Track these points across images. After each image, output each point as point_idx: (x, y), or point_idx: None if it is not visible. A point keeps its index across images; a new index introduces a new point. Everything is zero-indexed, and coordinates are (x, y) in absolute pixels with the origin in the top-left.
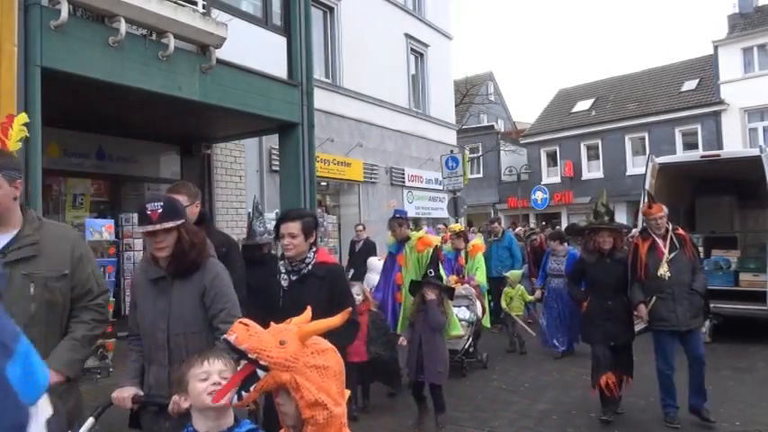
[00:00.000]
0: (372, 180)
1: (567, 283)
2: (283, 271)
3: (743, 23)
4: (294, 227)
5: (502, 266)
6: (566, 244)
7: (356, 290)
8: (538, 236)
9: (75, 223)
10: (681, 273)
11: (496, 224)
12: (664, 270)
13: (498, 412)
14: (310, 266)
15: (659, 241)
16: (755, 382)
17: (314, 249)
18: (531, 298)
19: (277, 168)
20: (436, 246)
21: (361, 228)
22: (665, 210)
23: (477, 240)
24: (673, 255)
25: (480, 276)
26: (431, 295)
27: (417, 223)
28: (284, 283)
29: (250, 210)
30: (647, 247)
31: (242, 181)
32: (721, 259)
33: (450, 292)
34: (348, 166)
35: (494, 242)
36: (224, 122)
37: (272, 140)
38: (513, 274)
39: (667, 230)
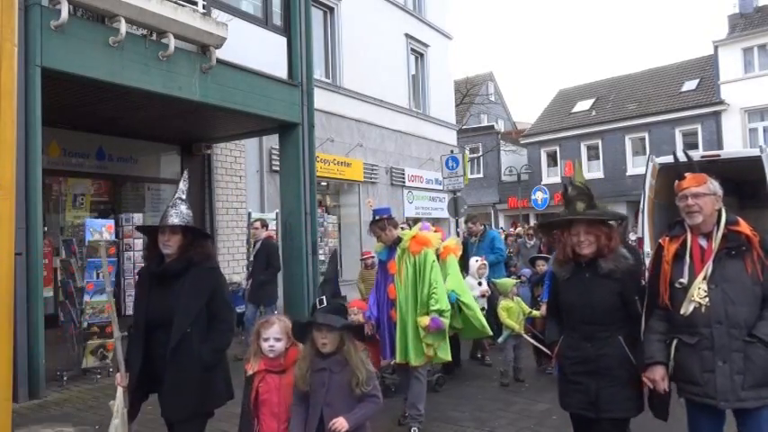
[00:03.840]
0: (372, 180)
1: (546, 319)
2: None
3: (743, 23)
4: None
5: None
6: None
7: (274, 331)
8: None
9: (76, 223)
10: (731, 301)
11: (471, 224)
12: (697, 295)
13: (498, 412)
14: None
15: (698, 242)
16: None
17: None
18: (537, 313)
19: (277, 168)
20: (444, 247)
21: (257, 225)
22: (713, 185)
23: (452, 241)
24: (718, 268)
25: (451, 283)
26: (326, 345)
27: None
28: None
29: (250, 210)
30: (675, 250)
31: (242, 181)
32: None
33: (359, 332)
34: (348, 167)
35: (475, 243)
36: (224, 122)
37: (272, 140)
38: (502, 284)
39: (716, 225)
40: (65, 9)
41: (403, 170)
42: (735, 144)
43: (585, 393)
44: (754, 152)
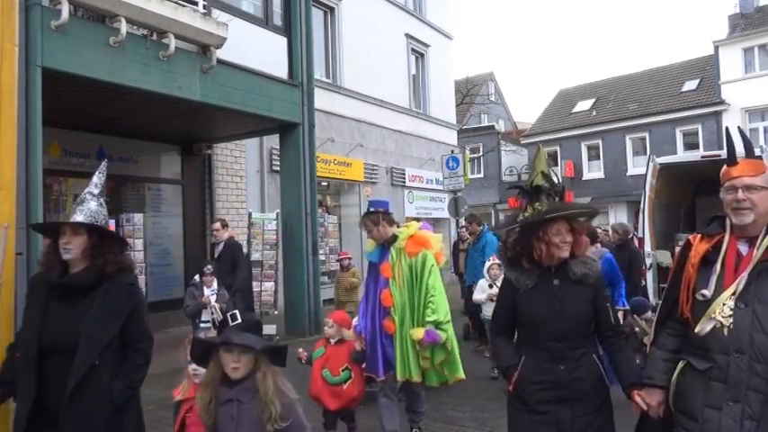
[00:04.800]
0: (373, 180)
1: (491, 341)
2: None
3: (743, 23)
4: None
5: (478, 273)
6: (597, 245)
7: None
8: None
9: None
10: (761, 328)
11: (467, 223)
12: (720, 312)
13: (498, 412)
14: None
15: (737, 247)
16: None
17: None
18: None
19: (278, 168)
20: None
21: (218, 226)
22: None
23: (437, 244)
24: (754, 283)
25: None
26: (237, 371)
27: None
28: None
29: (251, 210)
30: (705, 252)
31: (242, 181)
32: None
33: (280, 357)
34: (349, 167)
35: (471, 246)
36: (224, 122)
37: (272, 140)
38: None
39: (766, 229)
40: (65, 9)
41: (403, 170)
42: (735, 144)
43: (557, 425)
44: (755, 152)
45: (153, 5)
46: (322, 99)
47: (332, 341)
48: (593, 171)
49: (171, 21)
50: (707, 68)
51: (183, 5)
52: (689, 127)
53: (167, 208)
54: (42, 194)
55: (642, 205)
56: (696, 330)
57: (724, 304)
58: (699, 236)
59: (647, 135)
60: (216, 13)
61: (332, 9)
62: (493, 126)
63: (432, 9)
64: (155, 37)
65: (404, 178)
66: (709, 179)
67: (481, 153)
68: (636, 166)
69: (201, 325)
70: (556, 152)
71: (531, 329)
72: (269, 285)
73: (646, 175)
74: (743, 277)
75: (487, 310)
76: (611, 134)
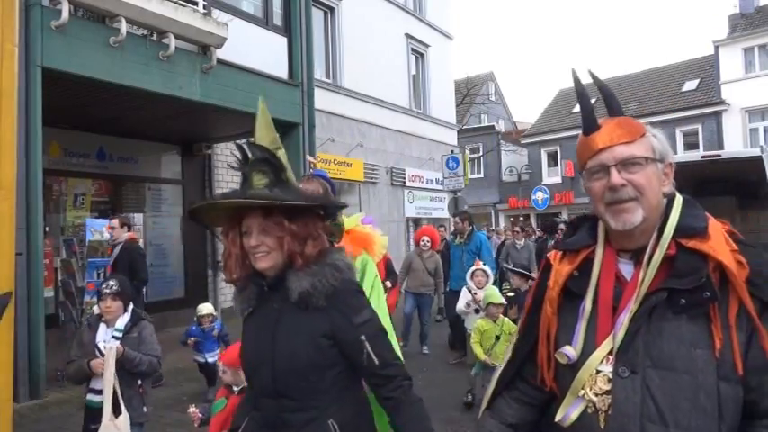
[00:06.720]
0: (373, 180)
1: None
2: None
3: (744, 23)
4: None
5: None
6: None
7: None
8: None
9: (76, 223)
10: (659, 412)
11: (458, 219)
12: (591, 388)
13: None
14: None
15: (616, 267)
16: None
17: None
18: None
19: None
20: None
21: (115, 223)
22: (660, 141)
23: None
24: (644, 330)
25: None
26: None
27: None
28: None
29: None
30: (568, 277)
31: None
32: None
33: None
34: (349, 167)
35: (461, 245)
36: (224, 122)
37: None
38: (489, 295)
39: (658, 232)
40: (65, 9)
41: (403, 170)
42: (735, 144)
43: None
44: (755, 152)
45: (153, 5)
46: (322, 99)
47: (235, 389)
48: None
49: (171, 21)
50: (707, 68)
51: (183, 5)
52: (689, 127)
53: (167, 208)
54: (42, 194)
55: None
56: (556, 419)
57: (597, 371)
58: (559, 253)
59: None
60: (216, 13)
61: (332, 9)
62: (493, 126)
63: (432, 9)
64: (155, 37)
65: (404, 178)
66: (709, 179)
67: (481, 153)
68: None
69: (90, 396)
70: (556, 152)
71: (247, 376)
72: None
73: None
74: (623, 320)
75: (470, 323)
76: None
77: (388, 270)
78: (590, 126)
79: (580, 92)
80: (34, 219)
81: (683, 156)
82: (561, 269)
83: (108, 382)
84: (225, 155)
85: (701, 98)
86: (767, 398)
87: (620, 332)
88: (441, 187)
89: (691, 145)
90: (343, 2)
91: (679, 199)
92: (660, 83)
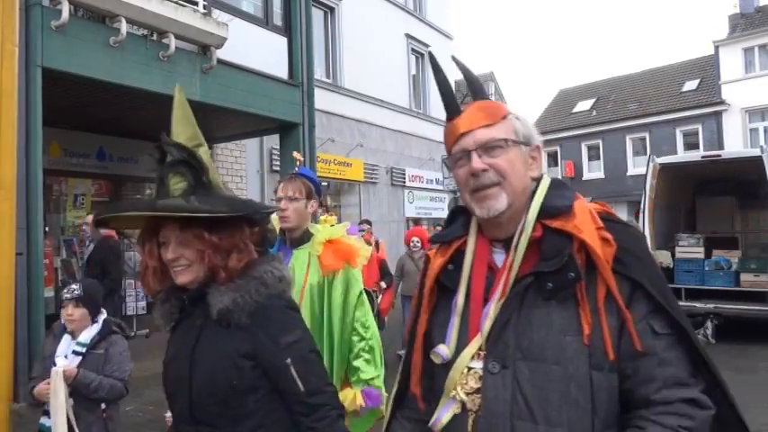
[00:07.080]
0: (373, 180)
1: None
2: None
3: (744, 23)
4: None
5: None
6: None
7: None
8: None
9: (76, 223)
10: (527, 407)
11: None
12: (461, 387)
13: None
14: None
15: (489, 257)
16: (756, 383)
17: None
18: None
19: (278, 168)
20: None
21: (90, 220)
22: (523, 123)
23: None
24: (514, 321)
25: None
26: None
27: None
28: None
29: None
30: (440, 270)
31: (243, 181)
32: (722, 260)
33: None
34: (349, 167)
35: None
36: (225, 122)
37: (272, 141)
38: None
39: (524, 216)
40: (65, 9)
41: (403, 170)
42: (735, 144)
43: None
44: (755, 152)
45: (153, 5)
46: (322, 99)
47: None
48: (593, 171)
49: (171, 21)
50: (707, 68)
51: (184, 5)
52: (689, 127)
53: None
54: (42, 194)
55: (642, 205)
56: (429, 424)
57: (469, 369)
58: (434, 248)
59: (647, 135)
60: (216, 13)
61: (332, 9)
62: None
63: (432, 9)
64: (155, 37)
65: (404, 178)
66: (709, 179)
67: None
68: (636, 166)
69: (43, 420)
70: (556, 152)
71: (168, 398)
72: None
73: (646, 175)
74: (488, 311)
75: None
76: (612, 134)
77: (382, 271)
78: (452, 111)
79: (439, 79)
80: (34, 219)
81: (683, 156)
82: (434, 263)
83: (56, 410)
84: (225, 155)
85: (701, 98)
86: (643, 385)
87: (486, 323)
88: (441, 187)
89: (691, 145)
90: (343, 2)
91: (546, 180)
92: (660, 83)
